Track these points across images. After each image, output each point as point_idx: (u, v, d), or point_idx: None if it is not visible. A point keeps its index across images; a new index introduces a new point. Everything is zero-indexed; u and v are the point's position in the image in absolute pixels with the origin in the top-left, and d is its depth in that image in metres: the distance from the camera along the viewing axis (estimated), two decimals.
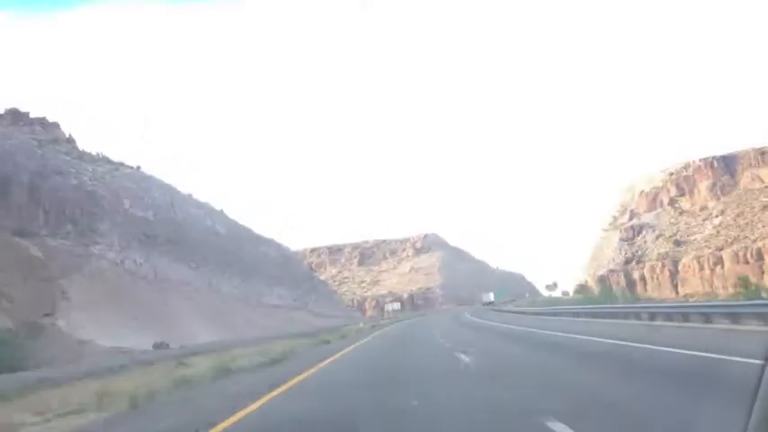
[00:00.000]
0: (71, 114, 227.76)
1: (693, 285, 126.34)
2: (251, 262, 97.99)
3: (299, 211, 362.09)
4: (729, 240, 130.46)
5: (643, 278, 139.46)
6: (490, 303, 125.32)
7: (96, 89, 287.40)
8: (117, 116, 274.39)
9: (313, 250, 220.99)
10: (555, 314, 45.15)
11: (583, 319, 34.11)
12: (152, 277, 63.85)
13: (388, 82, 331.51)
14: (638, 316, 27.28)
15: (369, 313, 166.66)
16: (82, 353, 42.52)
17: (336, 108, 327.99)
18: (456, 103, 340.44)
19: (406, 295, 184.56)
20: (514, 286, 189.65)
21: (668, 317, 23.32)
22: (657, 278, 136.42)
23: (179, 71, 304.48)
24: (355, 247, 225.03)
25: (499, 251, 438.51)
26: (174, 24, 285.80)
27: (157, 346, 52.56)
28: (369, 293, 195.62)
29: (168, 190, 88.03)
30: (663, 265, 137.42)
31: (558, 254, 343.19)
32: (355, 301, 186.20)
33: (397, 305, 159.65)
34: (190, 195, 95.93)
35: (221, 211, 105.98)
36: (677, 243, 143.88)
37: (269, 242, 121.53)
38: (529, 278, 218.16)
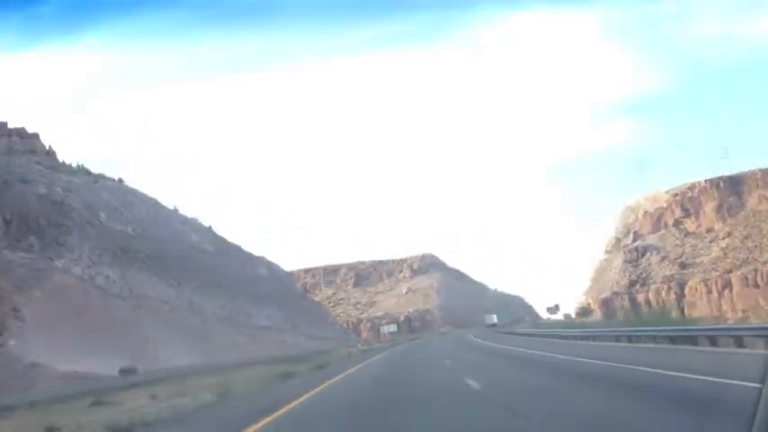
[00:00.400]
0: (71, 129, 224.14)
1: (701, 309, 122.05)
2: (239, 281, 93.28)
3: (293, 231, 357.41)
4: (738, 263, 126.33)
5: (648, 301, 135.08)
6: (493, 325, 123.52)
7: (92, 105, 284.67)
8: (115, 135, 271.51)
9: (307, 271, 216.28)
10: (614, 337, 31.24)
11: (665, 346, 22.75)
12: (126, 294, 59.15)
13: (384, 99, 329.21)
14: (740, 342, 18.14)
15: (364, 335, 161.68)
16: (33, 378, 37.87)
17: (331, 128, 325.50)
18: (454, 123, 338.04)
19: (402, 317, 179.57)
20: (514, 308, 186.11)
21: None
22: (663, 301, 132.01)
23: (176, 87, 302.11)
24: (351, 267, 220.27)
25: (498, 272, 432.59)
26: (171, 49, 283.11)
27: (124, 371, 47.62)
28: (364, 315, 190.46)
29: (152, 204, 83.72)
30: (669, 288, 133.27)
31: (557, 276, 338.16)
32: (350, 323, 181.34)
33: (393, 327, 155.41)
34: (175, 210, 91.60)
35: (209, 227, 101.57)
36: (683, 265, 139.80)
37: (260, 261, 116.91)
38: (528, 300, 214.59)
